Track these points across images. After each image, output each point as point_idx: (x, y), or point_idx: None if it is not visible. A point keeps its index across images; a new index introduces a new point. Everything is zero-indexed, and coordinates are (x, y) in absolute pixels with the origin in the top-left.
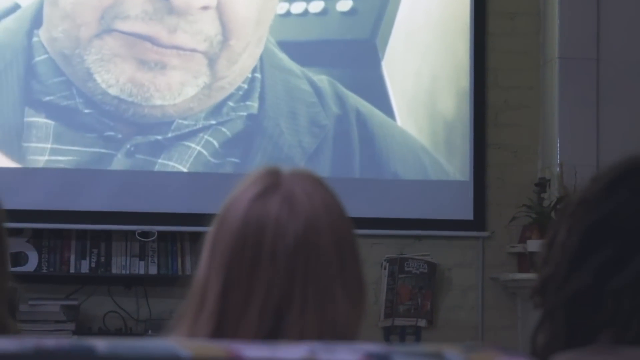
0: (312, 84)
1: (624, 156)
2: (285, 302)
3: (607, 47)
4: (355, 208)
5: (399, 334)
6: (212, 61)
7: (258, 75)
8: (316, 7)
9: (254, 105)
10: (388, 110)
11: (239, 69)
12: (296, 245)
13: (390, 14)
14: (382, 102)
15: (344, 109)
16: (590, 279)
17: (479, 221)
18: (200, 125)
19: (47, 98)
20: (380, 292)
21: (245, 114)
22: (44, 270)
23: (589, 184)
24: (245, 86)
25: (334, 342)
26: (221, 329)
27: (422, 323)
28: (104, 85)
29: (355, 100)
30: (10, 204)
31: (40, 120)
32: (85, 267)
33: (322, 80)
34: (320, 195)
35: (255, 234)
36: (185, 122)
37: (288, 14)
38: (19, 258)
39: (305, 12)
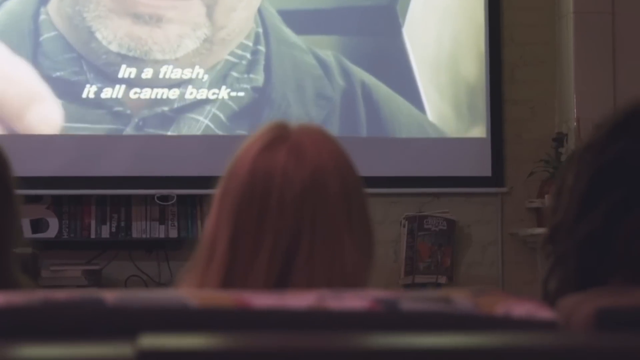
0: (318, 57)
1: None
2: (293, 249)
3: (622, 1)
4: (373, 167)
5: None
6: (210, 9)
7: (262, 48)
8: None
9: (258, 78)
10: (410, 77)
11: (237, 17)
12: (303, 193)
13: None
14: (404, 69)
15: (349, 82)
16: (600, 222)
17: (498, 177)
18: (205, 97)
19: (57, 74)
20: (400, 250)
21: (249, 86)
22: (65, 236)
23: (593, 130)
24: (249, 56)
25: (342, 290)
26: (230, 278)
27: (442, 280)
28: (104, 42)
29: (360, 73)
30: (30, 171)
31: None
32: (105, 232)
33: (328, 54)
34: (327, 146)
35: (263, 183)
36: (190, 95)
37: None
38: (40, 225)
39: None
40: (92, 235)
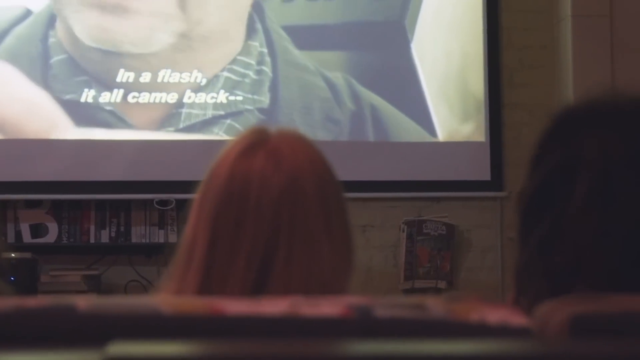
0: (327, 80)
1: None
2: (270, 254)
3: (620, 4)
4: (371, 171)
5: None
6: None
7: (266, 68)
8: None
9: (263, 99)
10: (418, 93)
11: (218, 15)
12: (281, 197)
13: None
14: (412, 84)
15: (359, 105)
16: (547, 230)
17: (497, 181)
18: (210, 116)
19: (68, 97)
20: (399, 254)
21: (252, 107)
22: (64, 241)
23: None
24: (252, 75)
25: (318, 296)
26: (208, 284)
27: (442, 285)
28: (81, 38)
29: (370, 96)
30: (29, 176)
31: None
32: (105, 237)
33: (338, 77)
34: (305, 151)
35: (241, 187)
36: (194, 112)
37: None
38: (39, 229)
39: None
40: (92, 240)
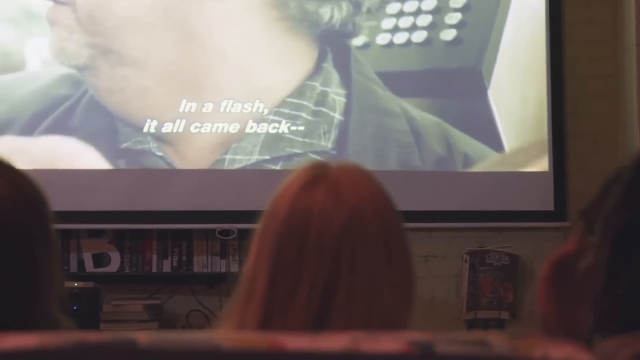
0: (411, 122)
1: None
2: (331, 290)
3: None
4: (435, 201)
5: (482, 327)
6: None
7: (339, 116)
8: (419, 36)
9: (324, 144)
10: (495, 138)
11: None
12: (342, 233)
13: (495, 39)
14: (489, 130)
15: (449, 150)
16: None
17: (560, 211)
18: (255, 160)
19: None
20: (461, 285)
21: (310, 150)
22: (127, 271)
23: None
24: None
25: (379, 331)
26: (269, 320)
27: (504, 315)
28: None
29: (464, 140)
30: (91, 206)
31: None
32: (167, 267)
33: (426, 118)
34: (366, 185)
35: (302, 222)
36: (237, 157)
37: (391, 44)
38: (102, 259)
39: (409, 42)
40: (154, 270)
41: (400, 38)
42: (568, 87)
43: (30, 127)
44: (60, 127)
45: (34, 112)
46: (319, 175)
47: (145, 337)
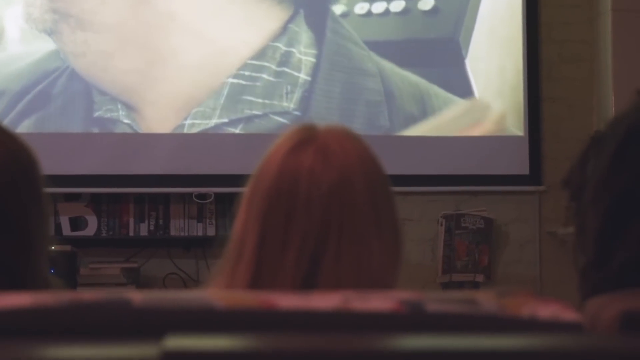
0: (385, 81)
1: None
2: (320, 250)
3: None
4: (410, 165)
5: (457, 289)
6: None
7: (304, 76)
8: (397, 6)
9: (286, 105)
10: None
11: None
12: (330, 194)
13: (473, 9)
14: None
15: (424, 111)
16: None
17: (535, 175)
18: (214, 124)
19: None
20: (437, 248)
21: (271, 111)
22: (104, 234)
23: (596, 158)
24: (271, 79)
25: (368, 291)
26: (258, 279)
27: (479, 278)
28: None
29: (440, 100)
30: (69, 170)
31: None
32: (144, 230)
33: (405, 78)
34: (354, 147)
35: (290, 184)
36: (196, 122)
37: (369, 13)
38: (79, 223)
39: (387, 12)
40: (131, 233)
41: (378, 7)
42: (543, 52)
43: (18, 99)
44: (44, 96)
45: (24, 85)
46: (308, 138)
47: (139, 296)
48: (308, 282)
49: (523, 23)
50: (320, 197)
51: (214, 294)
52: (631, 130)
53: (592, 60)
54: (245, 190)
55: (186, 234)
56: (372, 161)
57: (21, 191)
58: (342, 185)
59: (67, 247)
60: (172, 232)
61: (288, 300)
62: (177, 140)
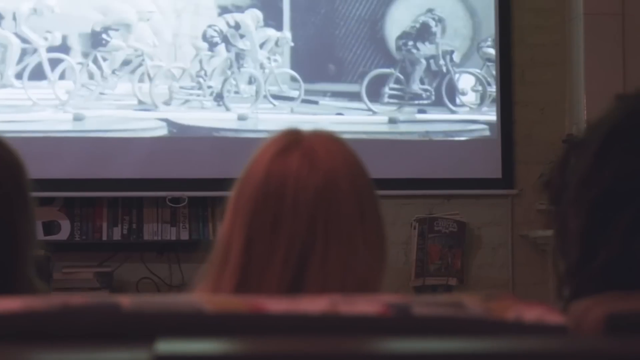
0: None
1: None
2: (307, 253)
3: (632, 2)
4: (383, 169)
5: (430, 293)
6: None
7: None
8: None
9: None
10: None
11: None
12: (316, 198)
13: None
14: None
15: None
16: (618, 248)
17: (508, 179)
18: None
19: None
20: (410, 252)
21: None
22: (77, 239)
23: (578, 158)
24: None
25: (355, 294)
26: (245, 283)
27: (452, 282)
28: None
29: None
30: (41, 173)
31: None
32: (117, 235)
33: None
34: (339, 151)
35: (277, 188)
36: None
37: None
38: (52, 227)
39: None
40: (104, 238)
41: None
42: (516, 56)
43: None
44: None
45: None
46: (293, 142)
47: (128, 300)
48: (295, 285)
49: (496, 26)
50: (307, 200)
51: (203, 298)
52: (613, 131)
53: (564, 63)
54: (231, 194)
55: (159, 238)
56: (357, 165)
57: (8, 195)
58: (328, 189)
59: (40, 252)
60: (146, 237)
61: (277, 304)
62: (151, 145)
